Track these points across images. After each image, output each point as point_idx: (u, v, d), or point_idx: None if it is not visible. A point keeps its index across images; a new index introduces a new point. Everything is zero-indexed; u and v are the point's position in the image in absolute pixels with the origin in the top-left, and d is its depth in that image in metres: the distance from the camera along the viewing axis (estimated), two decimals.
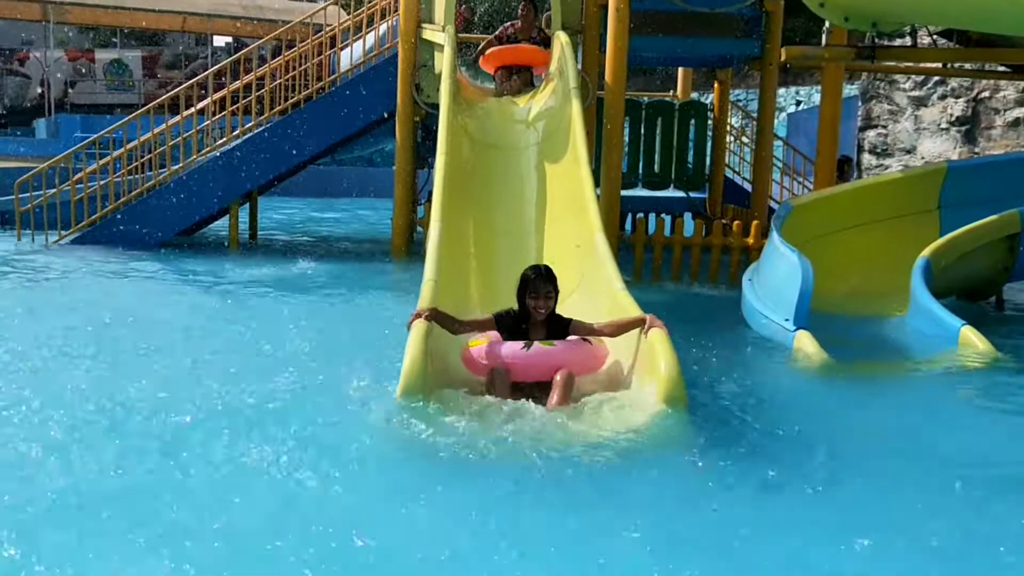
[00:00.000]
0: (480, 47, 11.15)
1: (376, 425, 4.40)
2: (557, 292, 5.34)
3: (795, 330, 6.43)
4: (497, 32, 10.92)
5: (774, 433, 4.54)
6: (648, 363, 4.93)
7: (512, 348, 5.07)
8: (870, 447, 4.48)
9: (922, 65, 10.35)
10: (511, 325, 5.28)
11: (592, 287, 6.66)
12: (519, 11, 10.81)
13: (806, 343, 6.25)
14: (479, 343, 5.21)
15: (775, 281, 7.11)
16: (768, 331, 6.83)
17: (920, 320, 6.86)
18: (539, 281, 5.29)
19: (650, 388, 4.71)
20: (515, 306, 5.34)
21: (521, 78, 10.24)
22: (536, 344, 5.09)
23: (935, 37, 9.66)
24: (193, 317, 7.38)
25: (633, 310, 5.60)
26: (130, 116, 12.51)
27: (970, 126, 15.00)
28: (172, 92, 12.39)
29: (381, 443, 4.23)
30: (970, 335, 6.33)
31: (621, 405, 4.81)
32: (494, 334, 5.31)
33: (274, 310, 7.92)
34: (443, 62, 9.71)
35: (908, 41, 9.10)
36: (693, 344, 6.30)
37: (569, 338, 5.25)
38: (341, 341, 6.18)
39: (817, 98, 13.95)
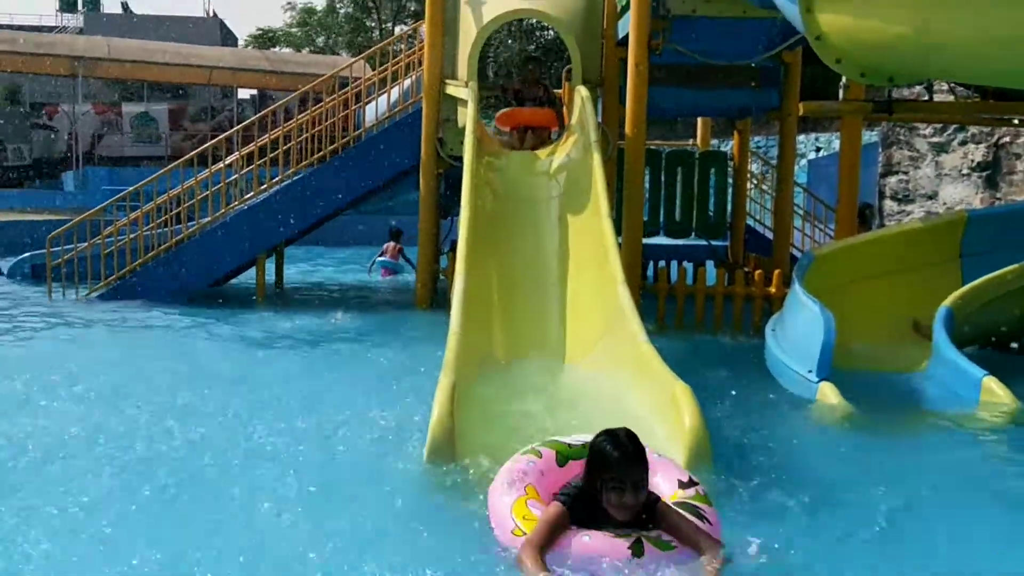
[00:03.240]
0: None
1: (401, 490, 4.39)
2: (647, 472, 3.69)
3: (818, 381, 6.47)
4: (504, 85, 11.40)
5: (798, 489, 4.57)
6: (673, 417, 4.99)
7: (609, 550, 3.52)
8: (894, 503, 4.49)
9: (940, 115, 10.44)
10: (583, 512, 3.66)
11: (616, 339, 6.73)
12: (525, 68, 11.25)
13: (830, 395, 6.29)
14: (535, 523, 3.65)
15: (798, 332, 7.16)
16: (792, 382, 6.87)
17: (943, 370, 6.88)
18: (625, 463, 3.59)
19: (675, 444, 4.76)
20: (578, 478, 3.79)
21: (535, 135, 10.46)
22: (647, 547, 3.54)
23: (953, 87, 9.75)
24: (220, 373, 7.48)
25: (657, 364, 5.66)
26: (163, 170, 12.74)
27: (991, 171, 15.02)
28: (202, 148, 12.62)
29: (405, 511, 4.19)
30: (992, 386, 6.35)
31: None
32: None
33: (299, 363, 8.02)
34: (467, 117, 9.88)
35: (925, 91, 9.19)
36: (717, 395, 6.34)
37: (674, 521, 3.65)
38: (367, 397, 6.24)
39: (837, 144, 14.04)
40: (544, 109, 10.61)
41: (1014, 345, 8.64)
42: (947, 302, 7.41)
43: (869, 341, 8.18)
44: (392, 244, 15.39)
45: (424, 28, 11.79)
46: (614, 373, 6.39)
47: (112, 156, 26.16)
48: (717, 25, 9.59)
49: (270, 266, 12.88)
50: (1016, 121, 9.55)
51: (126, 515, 4.12)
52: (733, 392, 6.54)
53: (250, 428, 5.57)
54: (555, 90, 11.41)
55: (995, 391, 6.34)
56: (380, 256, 15.43)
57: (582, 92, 9.95)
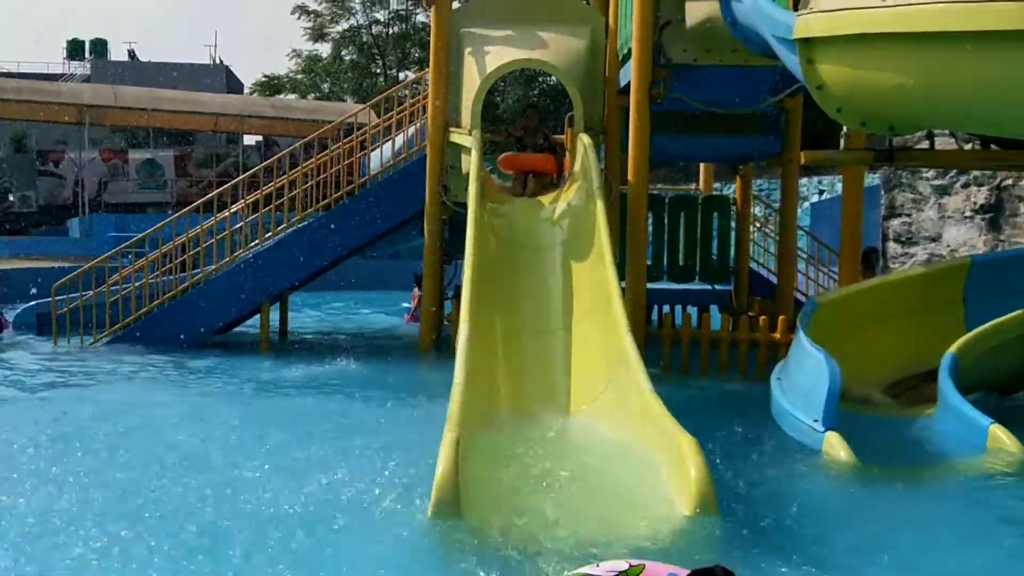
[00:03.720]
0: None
1: (405, 546, 4.37)
2: None
3: (824, 431, 6.45)
4: (509, 130, 11.46)
5: (805, 541, 4.55)
6: (679, 470, 4.97)
7: None
8: (900, 556, 4.46)
9: (941, 162, 10.50)
10: None
11: (621, 388, 6.73)
12: (524, 116, 11.32)
13: (835, 445, 6.26)
14: None
15: (803, 381, 7.15)
16: (797, 431, 6.85)
17: (948, 418, 6.85)
18: None
19: (681, 496, 4.74)
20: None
21: (538, 181, 10.49)
22: None
23: (955, 132, 9.80)
24: (221, 423, 7.47)
25: (663, 414, 5.64)
26: (169, 218, 12.81)
27: (994, 214, 15.05)
28: (210, 195, 12.69)
29: (410, 567, 4.16)
30: (999, 434, 6.32)
31: (654, 509, 4.83)
32: None
33: (303, 413, 8.00)
34: (471, 164, 9.94)
35: (926, 138, 9.24)
36: (722, 444, 6.32)
37: None
38: (370, 450, 6.22)
39: (840, 187, 14.10)
40: (544, 155, 10.70)
41: (1019, 393, 8.62)
42: (952, 349, 7.40)
43: (874, 387, 8.17)
44: (417, 291, 15.47)
45: (428, 76, 11.92)
46: (620, 423, 6.37)
47: (118, 202, 26.27)
48: (718, 74, 9.67)
49: (274, 313, 12.90)
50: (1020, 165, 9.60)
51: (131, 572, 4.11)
52: (739, 441, 6.51)
53: (252, 480, 5.55)
54: (557, 136, 11.48)
55: (1002, 439, 6.31)
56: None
57: (584, 140, 10.02)
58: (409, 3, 37.51)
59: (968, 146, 9.59)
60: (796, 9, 6.80)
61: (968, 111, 6.05)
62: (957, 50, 5.56)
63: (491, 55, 11.09)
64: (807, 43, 6.47)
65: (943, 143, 11.08)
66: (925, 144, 8.92)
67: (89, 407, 8.25)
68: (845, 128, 10.49)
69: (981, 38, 5.39)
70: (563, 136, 11.70)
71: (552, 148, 10.93)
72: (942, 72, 5.70)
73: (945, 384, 7.03)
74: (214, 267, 12.23)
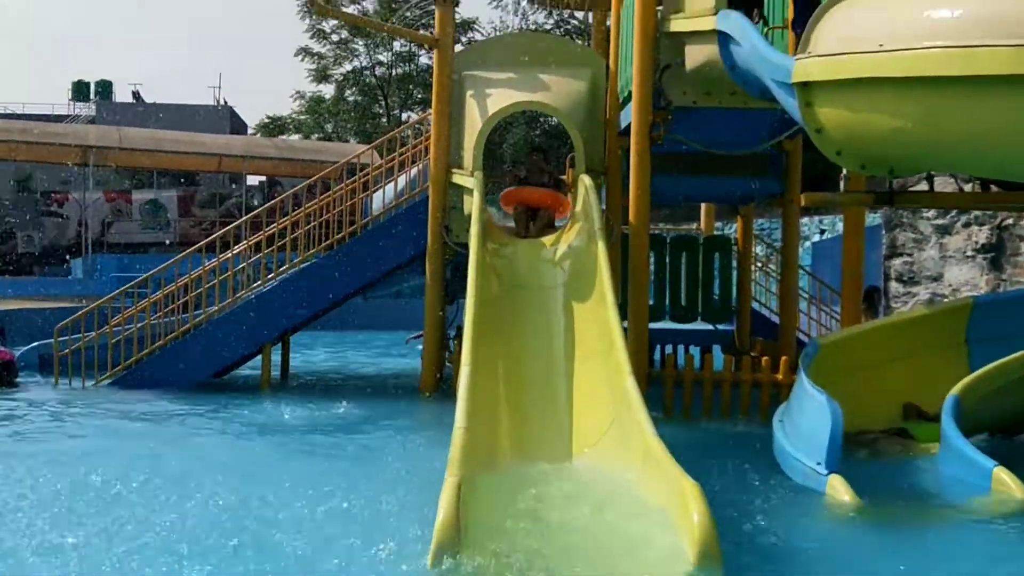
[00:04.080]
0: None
1: None
2: None
3: (827, 474, 6.42)
4: (515, 172, 11.30)
5: None
6: (682, 514, 4.93)
7: None
8: None
9: (941, 203, 10.53)
10: None
11: (624, 431, 6.69)
12: (529, 158, 11.22)
13: (839, 488, 6.23)
14: None
15: (805, 424, 7.12)
16: (800, 474, 6.81)
17: (952, 461, 6.82)
18: None
19: (684, 541, 4.70)
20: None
21: (540, 221, 10.48)
22: None
23: (954, 175, 9.85)
24: (222, 468, 7.42)
25: (666, 458, 5.60)
26: (172, 260, 12.84)
27: (996, 253, 15.06)
28: (213, 236, 12.74)
29: None
30: (1003, 476, 6.29)
31: (656, 557, 4.79)
32: None
33: (301, 458, 7.97)
34: (473, 206, 9.98)
35: (925, 180, 9.29)
36: (725, 486, 6.29)
37: None
38: (370, 495, 6.17)
39: (841, 226, 14.14)
40: (545, 189, 10.64)
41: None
42: (954, 391, 7.38)
43: (878, 428, 8.13)
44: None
45: (431, 118, 12.01)
46: (623, 467, 6.33)
47: (121, 243, 26.38)
48: (718, 116, 9.74)
49: (276, 354, 12.89)
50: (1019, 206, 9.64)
51: None
52: (742, 484, 6.47)
53: (253, 523, 5.52)
54: (560, 175, 11.48)
55: (1006, 482, 6.28)
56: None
57: (585, 181, 10.07)
58: (413, 45, 37.82)
59: (968, 187, 9.63)
60: (795, 53, 6.86)
61: (965, 154, 6.08)
62: (954, 94, 5.59)
63: (493, 98, 11.17)
64: (805, 87, 6.51)
65: (943, 183, 11.13)
66: (925, 185, 8.96)
67: (78, 450, 8.21)
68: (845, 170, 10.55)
69: (977, 82, 5.43)
70: (565, 176, 11.76)
71: (557, 184, 10.86)
72: (939, 116, 5.73)
73: (948, 426, 7.01)
74: (216, 308, 12.24)
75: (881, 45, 5.93)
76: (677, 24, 9.37)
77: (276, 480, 6.82)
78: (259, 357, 12.55)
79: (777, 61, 7.08)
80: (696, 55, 9.20)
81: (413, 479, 6.50)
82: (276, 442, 8.75)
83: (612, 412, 7.08)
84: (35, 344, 13.85)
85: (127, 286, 12.81)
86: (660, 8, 9.80)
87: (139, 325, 12.16)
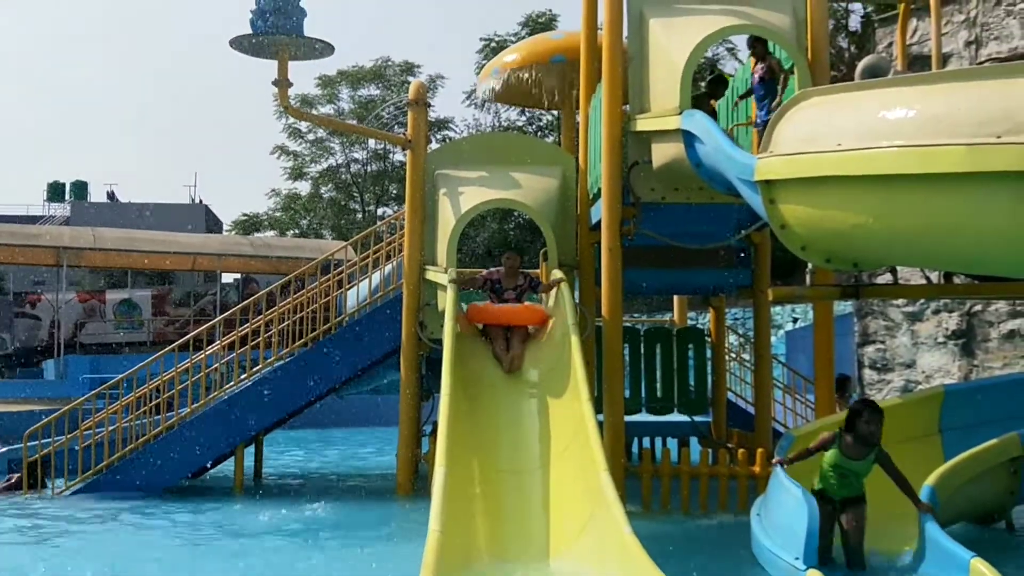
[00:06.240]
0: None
1: None
2: None
3: (805, 569, 6.37)
4: (484, 274, 10.51)
5: None
6: None
7: None
8: None
9: (907, 294, 10.67)
10: None
11: (600, 531, 6.64)
12: (503, 259, 10.46)
13: None
14: None
15: (782, 518, 7.09)
16: (778, 570, 6.75)
17: (929, 553, 6.79)
18: None
19: None
20: None
21: (516, 335, 9.62)
22: None
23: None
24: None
25: (642, 558, 5.57)
26: (144, 362, 12.70)
27: (967, 339, 15.22)
28: (186, 337, 12.66)
29: None
30: (980, 567, 6.24)
31: None
32: None
33: (275, 566, 7.83)
34: (447, 303, 9.99)
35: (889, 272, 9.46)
36: None
37: None
38: None
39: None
40: (525, 305, 10.00)
41: (999, 522, 8.57)
42: (929, 481, 7.38)
43: None
44: None
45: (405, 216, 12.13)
46: (600, 566, 6.28)
47: (94, 343, 26.18)
48: (686, 211, 9.89)
49: (249, 455, 12.74)
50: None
51: None
52: None
53: None
54: (534, 271, 11.50)
55: (984, 573, 6.24)
56: None
57: (557, 275, 10.16)
58: (386, 145, 38.37)
59: (934, 277, 9.79)
60: (758, 151, 7.04)
61: (925, 248, 6.21)
62: (911, 191, 5.73)
63: (465, 195, 11.31)
64: (768, 184, 6.67)
65: (911, 273, 11.31)
66: (890, 276, 9.11)
67: (50, 560, 8.04)
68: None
69: (933, 179, 5.57)
70: (538, 271, 11.86)
71: (533, 287, 10.33)
72: (898, 212, 5.87)
73: (924, 517, 6.99)
74: (188, 410, 12.13)
75: (839, 144, 6.10)
76: (643, 124, 9.57)
77: None
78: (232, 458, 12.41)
79: (741, 160, 7.25)
80: (663, 153, 9.39)
81: None
82: (245, 546, 8.60)
83: (589, 509, 7.03)
84: (3, 449, 13.64)
85: (100, 388, 12.68)
86: (627, 107, 10.03)
87: (111, 428, 12.00)
